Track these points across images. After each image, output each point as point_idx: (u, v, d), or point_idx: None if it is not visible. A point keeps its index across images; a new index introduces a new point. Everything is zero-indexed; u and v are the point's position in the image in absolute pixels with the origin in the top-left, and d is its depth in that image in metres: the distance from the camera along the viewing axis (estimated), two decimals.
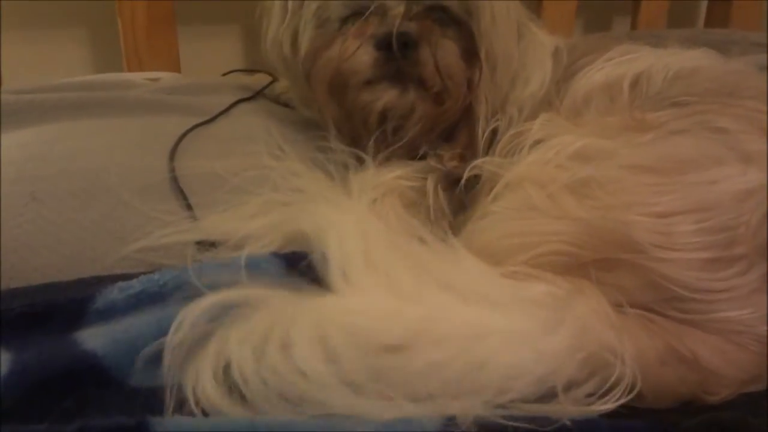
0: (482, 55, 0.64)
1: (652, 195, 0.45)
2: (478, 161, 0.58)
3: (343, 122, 0.68)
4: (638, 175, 0.47)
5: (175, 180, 0.59)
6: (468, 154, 0.64)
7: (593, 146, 0.50)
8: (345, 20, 0.66)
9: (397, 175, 0.63)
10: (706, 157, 0.46)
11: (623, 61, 0.65)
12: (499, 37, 0.64)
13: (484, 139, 0.63)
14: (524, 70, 0.67)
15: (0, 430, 0.37)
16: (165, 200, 0.57)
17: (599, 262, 0.45)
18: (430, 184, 0.61)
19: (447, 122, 0.66)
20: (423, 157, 0.66)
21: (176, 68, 1.00)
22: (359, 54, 0.62)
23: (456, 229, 0.59)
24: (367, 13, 0.64)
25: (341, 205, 0.52)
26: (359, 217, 0.50)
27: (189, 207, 0.56)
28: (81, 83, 0.74)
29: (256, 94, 0.80)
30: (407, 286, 0.42)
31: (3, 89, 0.74)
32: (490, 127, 0.63)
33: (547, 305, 0.42)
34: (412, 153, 0.66)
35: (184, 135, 0.64)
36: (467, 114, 0.65)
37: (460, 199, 0.60)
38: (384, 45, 0.61)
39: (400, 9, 0.63)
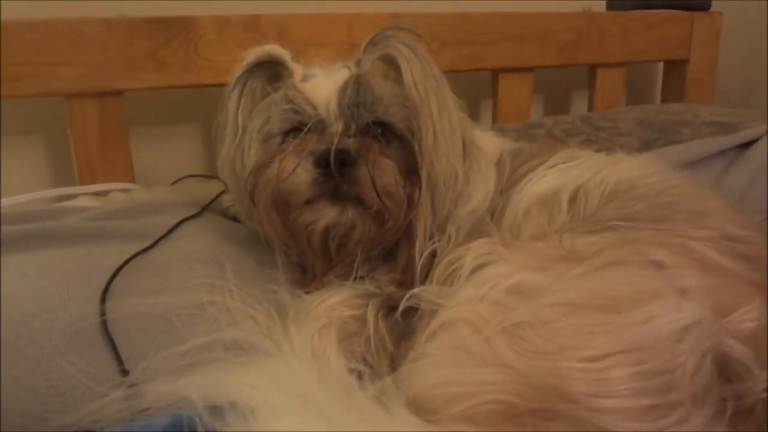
0: (423, 175, 0.63)
1: (585, 337, 0.44)
2: (414, 290, 0.57)
3: (288, 242, 0.67)
4: (570, 315, 0.45)
5: (104, 325, 0.56)
6: (407, 276, 0.63)
7: (526, 281, 0.49)
8: (286, 134, 0.66)
9: (337, 301, 0.61)
10: (639, 293, 0.45)
11: (564, 170, 0.65)
12: (441, 157, 0.64)
13: (421, 261, 0.61)
14: (467, 187, 0.66)
15: None
16: (94, 349, 0.55)
17: (536, 412, 0.43)
18: (370, 313, 0.60)
19: (389, 241, 0.65)
20: (363, 276, 0.65)
21: (130, 178, 0.99)
22: (298, 172, 0.61)
23: (398, 360, 0.57)
24: (305, 129, 0.64)
25: (268, 367, 0.50)
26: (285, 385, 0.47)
27: (119, 360, 0.54)
28: (16, 215, 0.72)
29: (202, 211, 0.79)
30: None
31: None
32: (428, 249, 0.62)
33: None
34: (353, 272, 0.65)
35: (118, 270, 0.62)
36: (408, 233, 0.64)
37: (400, 326, 0.58)
38: (322, 162, 0.60)
39: (339, 126, 0.63)
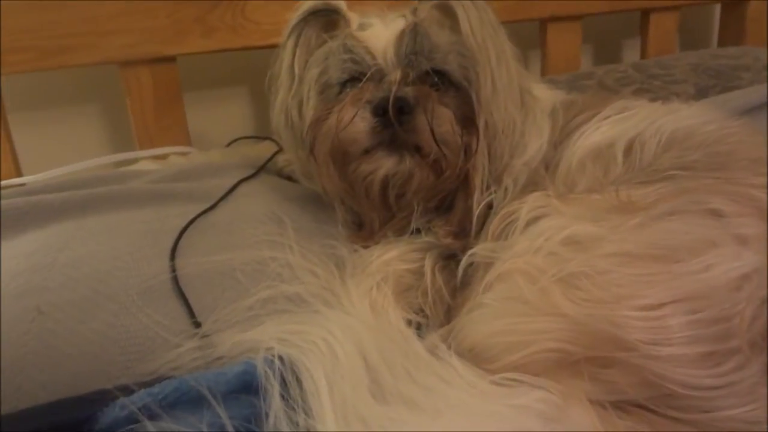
0: (481, 124, 0.63)
1: (642, 286, 0.44)
2: (474, 249, 0.58)
3: (346, 194, 0.68)
4: (626, 265, 0.46)
5: (176, 281, 0.60)
6: (464, 228, 0.64)
7: (581, 233, 0.49)
8: (344, 84, 0.67)
9: (394, 255, 0.63)
10: (697, 242, 0.45)
11: (618, 120, 0.64)
12: (499, 107, 0.63)
13: (478, 212, 0.62)
14: (522, 138, 0.66)
15: None
16: (167, 303, 0.58)
17: (592, 360, 0.44)
18: (427, 265, 0.61)
19: (446, 191, 0.65)
20: (420, 230, 0.67)
21: (186, 141, 1.03)
22: (356, 121, 0.62)
23: (454, 311, 0.59)
24: (364, 79, 0.64)
25: (329, 320, 0.52)
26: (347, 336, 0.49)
27: (191, 313, 0.57)
28: (85, 180, 0.76)
29: (258, 171, 0.81)
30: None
31: (5, 192, 0.77)
32: (485, 200, 0.63)
33: (539, 414, 0.42)
34: (410, 225, 0.66)
35: (183, 230, 0.66)
36: (465, 183, 0.64)
37: (456, 278, 0.60)
38: (380, 111, 0.61)
39: (397, 74, 0.63)
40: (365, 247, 0.66)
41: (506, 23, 0.66)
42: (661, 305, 0.43)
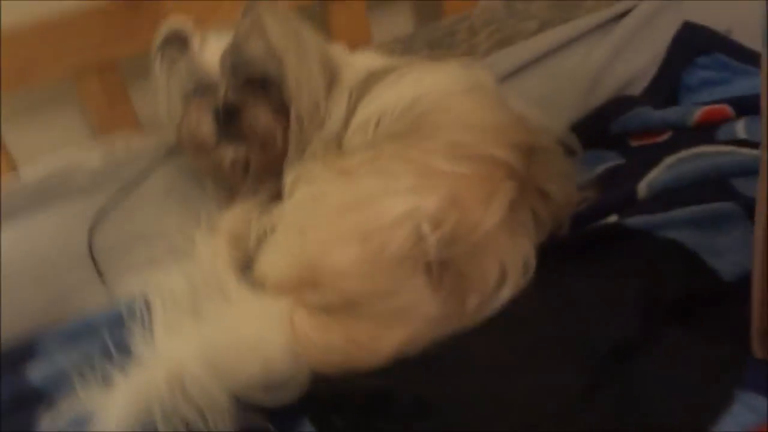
0: (292, 113, 0.84)
1: (338, 232, 0.66)
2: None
3: (214, 172, 0.92)
4: (335, 215, 0.68)
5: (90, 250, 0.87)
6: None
7: (318, 191, 0.71)
8: (193, 93, 0.89)
9: (235, 212, 0.87)
10: (373, 196, 0.66)
11: (388, 87, 0.82)
12: (303, 98, 0.84)
13: None
14: (325, 116, 0.86)
15: None
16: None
17: (308, 282, 0.67)
18: (253, 219, 0.84)
19: (280, 163, 0.88)
20: None
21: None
22: (201, 125, 0.86)
23: None
24: (201, 91, 0.87)
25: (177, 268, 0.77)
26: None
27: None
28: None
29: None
30: None
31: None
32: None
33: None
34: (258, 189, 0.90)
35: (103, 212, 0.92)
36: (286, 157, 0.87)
37: None
38: (215, 116, 0.84)
39: (224, 85, 0.85)
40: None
41: None
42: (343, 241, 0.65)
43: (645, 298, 0.61)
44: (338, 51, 0.93)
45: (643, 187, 0.75)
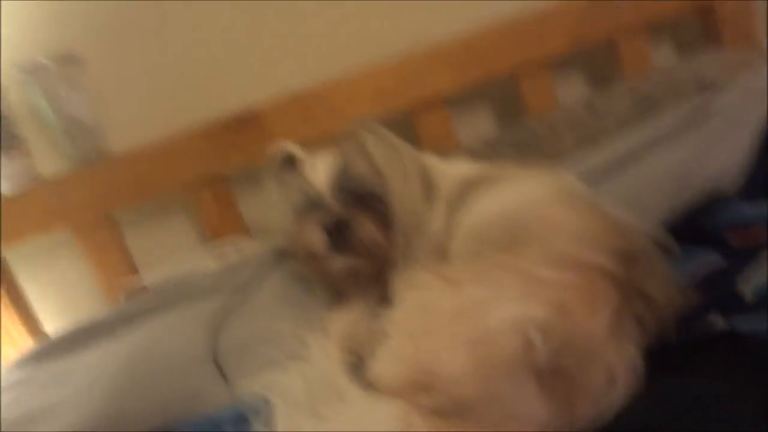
0: (396, 225, 0.93)
1: (448, 338, 0.71)
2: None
3: (325, 277, 1.00)
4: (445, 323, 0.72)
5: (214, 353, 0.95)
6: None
7: (428, 301, 0.76)
8: (306, 209, 0.99)
9: (347, 314, 0.93)
10: (481, 303, 0.71)
11: (489, 197, 0.89)
12: (405, 211, 0.93)
13: None
14: (425, 223, 0.93)
15: None
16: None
17: (422, 387, 0.71)
18: (362, 321, 0.90)
19: (385, 270, 0.95)
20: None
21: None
22: (314, 237, 0.95)
23: None
24: (311, 207, 0.96)
25: (294, 368, 0.84)
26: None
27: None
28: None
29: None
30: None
31: None
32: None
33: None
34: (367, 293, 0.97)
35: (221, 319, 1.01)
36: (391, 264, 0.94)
37: None
38: (327, 230, 0.94)
39: (334, 202, 0.95)
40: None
41: None
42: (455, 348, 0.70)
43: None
44: (432, 161, 1.01)
45: (747, 289, 0.76)
